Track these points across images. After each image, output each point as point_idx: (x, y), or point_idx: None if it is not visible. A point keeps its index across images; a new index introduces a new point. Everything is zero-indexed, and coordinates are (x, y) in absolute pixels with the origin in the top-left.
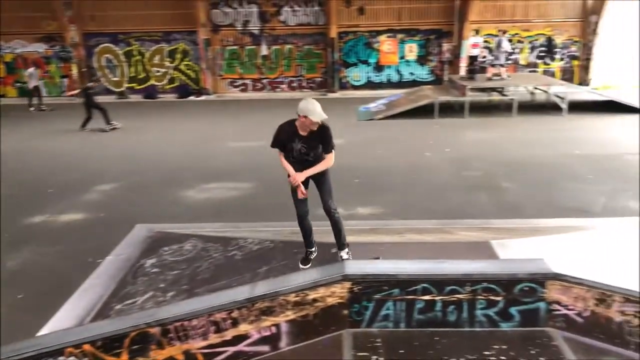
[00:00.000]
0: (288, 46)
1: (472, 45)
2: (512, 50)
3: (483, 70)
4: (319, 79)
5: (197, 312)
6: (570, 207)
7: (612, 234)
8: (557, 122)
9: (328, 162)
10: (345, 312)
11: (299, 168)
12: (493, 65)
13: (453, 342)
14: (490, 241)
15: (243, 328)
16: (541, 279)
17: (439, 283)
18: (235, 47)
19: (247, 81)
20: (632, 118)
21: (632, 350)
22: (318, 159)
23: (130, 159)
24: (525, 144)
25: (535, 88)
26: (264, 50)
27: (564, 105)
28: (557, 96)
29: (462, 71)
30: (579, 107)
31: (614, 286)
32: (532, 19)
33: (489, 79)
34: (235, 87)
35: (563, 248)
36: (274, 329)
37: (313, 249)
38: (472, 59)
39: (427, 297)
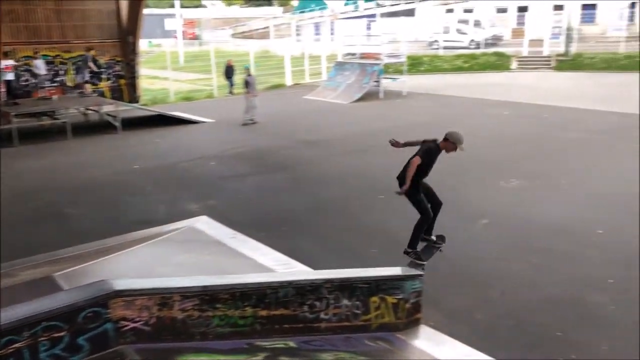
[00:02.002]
0: None
1: (4, 68)
2: (49, 72)
3: (29, 94)
4: None
5: None
6: (136, 220)
7: (177, 236)
8: (113, 141)
9: None
10: None
11: (419, 179)
12: (42, 88)
13: None
14: (54, 275)
15: None
16: (103, 301)
17: None
18: None
19: None
20: (182, 129)
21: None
22: None
23: None
24: (85, 166)
25: (87, 109)
26: None
27: (117, 124)
28: (110, 115)
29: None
30: (133, 124)
31: (172, 287)
32: (71, 39)
33: (36, 103)
34: None
35: (132, 262)
36: None
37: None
38: (9, 82)
39: None
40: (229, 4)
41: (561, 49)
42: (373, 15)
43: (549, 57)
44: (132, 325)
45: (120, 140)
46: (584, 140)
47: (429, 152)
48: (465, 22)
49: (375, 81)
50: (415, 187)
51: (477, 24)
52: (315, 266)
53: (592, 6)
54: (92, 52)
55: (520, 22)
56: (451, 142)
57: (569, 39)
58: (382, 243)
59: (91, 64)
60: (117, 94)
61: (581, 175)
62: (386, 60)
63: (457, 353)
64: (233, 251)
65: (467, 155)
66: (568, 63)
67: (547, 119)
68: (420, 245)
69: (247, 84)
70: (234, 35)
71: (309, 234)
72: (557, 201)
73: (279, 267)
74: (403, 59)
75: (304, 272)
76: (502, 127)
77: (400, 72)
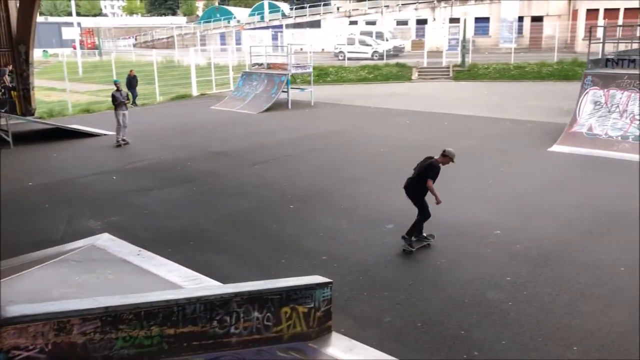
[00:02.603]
0: None
1: None
2: None
3: None
4: None
5: None
6: (32, 241)
7: (77, 256)
8: (5, 157)
9: None
10: None
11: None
12: None
13: None
14: None
15: None
16: None
17: None
18: None
19: None
20: (80, 142)
21: None
22: None
23: None
24: None
25: None
26: None
27: (9, 139)
28: (0, 129)
29: None
30: (27, 138)
31: (69, 310)
32: None
33: None
34: None
35: (27, 285)
36: None
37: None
38: None
39: None
40: (131, 13)
41: (458, 59)
42: (279, 26)
43: (447, 67)
44: (26, 354)
45: (13, 155)
46: (481, 146)
47: (436, 171)
48: (368, 34)
49: (284, 91)
50: (424, 196)
51: (379, 35)
52: (224, 280)
53: (486, 19)
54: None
55: (420, 35)
56: (448, 157)
57: (464, 51)
58: (292, 253)
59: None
60: (9, 107)
61: (479, 179)
62: (293, 71)
63: (369, 357)
64: (138, 269)
65: (374, 162)
66: (465, 73)
67: (447, 127)
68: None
69: (114, 99)
70: (136, 45)
71: (217, 247)
72: (458, 205)
73: (187, 283)
74: (310, 70)
75: (212, 286)
76: (405, 135)
77: (307, 82)
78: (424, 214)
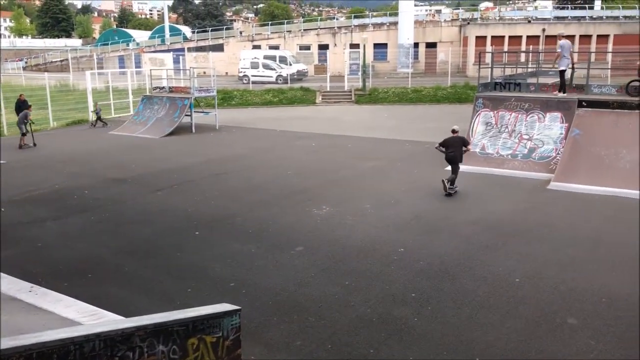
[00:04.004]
0: None
1: None
2: None
3: None
4: None
5: None
6: None
7: None
8: None
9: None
10: None
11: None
12: None
13: None
14: None
15: None
16: None
17: None
18: None
19: None
20: None
21: None
22: None
23: None
24: None
25: None
26: None
27: None
28: None
29: None
30: None
31: None
32: None
33: None
34: None
35: None
36: None
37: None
38: None
39: None
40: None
41: (359, 84)
42: (181, 50)
43: (349, 91)
44: None
45: None
46: (383, 167)
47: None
48: (272, 58)
49: (187, 115)
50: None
51: (282, 60)
52: (127, 313)
53: (384, 45)
54: None
55: (322, 59)
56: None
57: (365, 75)
58: (198, 281)
59: None
60: None
61: (382, 199)
62: (197, 94)
63: None
64: (30, 307)
65: (281, 185)
66: (366, 97)
67: (351, 148)
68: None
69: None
70: (26, 68)
71: (119, 279)
72: (362, 225)
73: (85, 318)
74: (214, 93)
75: (113, 321)
76: (310, 157)
77: (212, 105)
78: (457, 170)
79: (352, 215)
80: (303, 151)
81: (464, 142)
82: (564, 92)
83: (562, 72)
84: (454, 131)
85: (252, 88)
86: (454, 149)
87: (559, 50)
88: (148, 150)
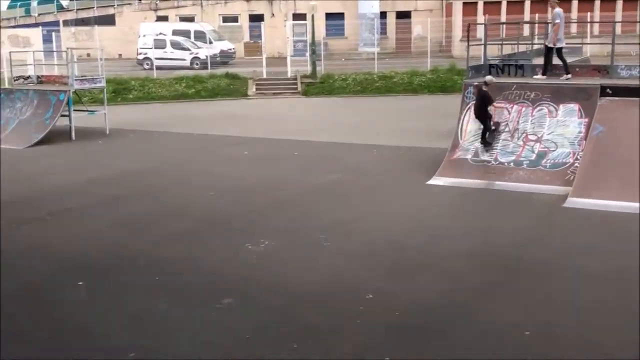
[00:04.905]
0: None
1: None
2: None
3: None
4: None
5: None
6: None
7: None
8: None
9: None
10: None
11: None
12: None
13: None
14: None
15: None
16: None
17: None
18: None
19: None
20: None
21: None
22: None
23: None
24: None
25: None
26: None
27: None
28: None
29: None
30: None
31: None
32: None
33: None
34: None
35: None
36: None
37: None
38: None
39: None
40: None
41: (307, 68)
42: (55, 23)
43: (294, 79)
44: None
45: None
46: (344, 182)
47: (492, 98)
48: (184, 34)
49: (64, 115)
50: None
51: (199, 36)
52: None
53: (339, 15)
54: None
55: (255, 35)
56: (491, 84)
57: (315, 57)
58: (84, 351)
59: None
60: None
61: (344, 226)
62: (77, 86)
63: None
64: None
65: (201, 211)
66: (317, 86)
67: (299, 157)
68: None
69: None
70: None
71: None
72: (316, 263)
73: None
74: (102, 84)
75: None
76: (242, 171)
77: (100, 101)
78: (487, 126)
79: (301, 250)
80: (232, 163)
81: (484, 100)
82: (543, 74)
83: (552, 50)
84: (485, 83)
85: (156, 76)
86: (476, 106)
87: (557, 21)
88: (6, 166)
